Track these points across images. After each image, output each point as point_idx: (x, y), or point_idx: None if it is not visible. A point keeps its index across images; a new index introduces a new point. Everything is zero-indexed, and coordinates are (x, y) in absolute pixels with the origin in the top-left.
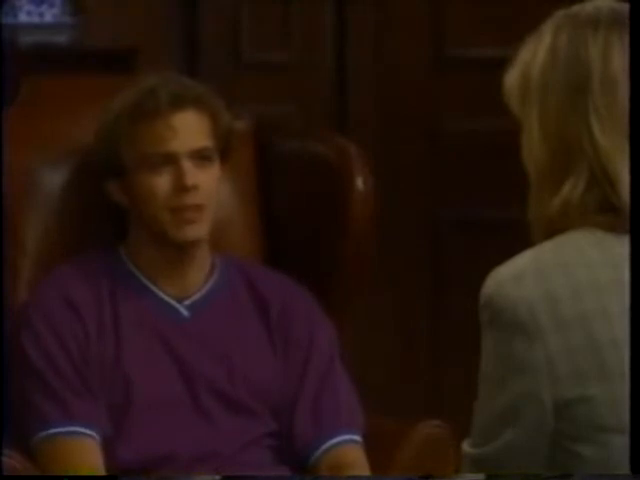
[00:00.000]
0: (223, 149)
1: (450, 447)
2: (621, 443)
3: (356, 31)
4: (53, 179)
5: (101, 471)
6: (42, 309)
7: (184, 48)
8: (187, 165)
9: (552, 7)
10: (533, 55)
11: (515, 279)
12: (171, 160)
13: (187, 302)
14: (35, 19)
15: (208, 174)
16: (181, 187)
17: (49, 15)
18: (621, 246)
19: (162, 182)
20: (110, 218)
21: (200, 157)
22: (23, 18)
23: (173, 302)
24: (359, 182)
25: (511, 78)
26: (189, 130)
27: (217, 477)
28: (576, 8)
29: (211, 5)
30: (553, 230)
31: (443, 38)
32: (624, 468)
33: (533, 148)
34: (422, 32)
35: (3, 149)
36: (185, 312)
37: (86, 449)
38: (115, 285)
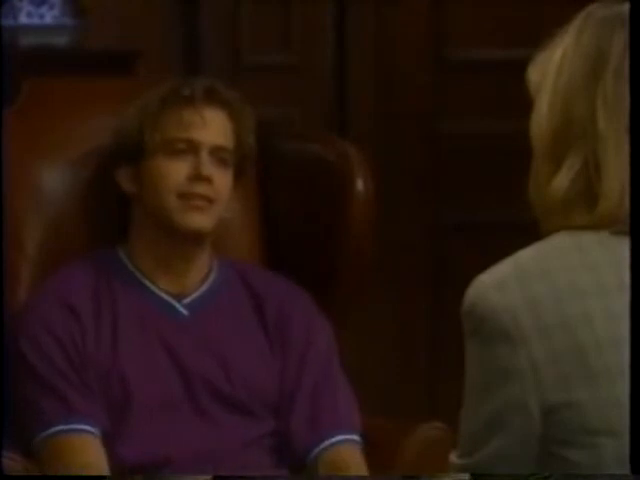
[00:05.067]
0: (238, 165)
1: (449, 449)
2: (610, 445)
3: (356, 31)
4: (53, 180)
5: (104, 467)
6: (40, 312)
7: (184, 49)
8: (206, 157)
9: (552, 8)
10: (560, 40)
11: (497, 286)
12: (192, 148)
13: (186, 301)
14: (35, 21)
15: (223, 174)
16: (196, 175)
17: (49, 17)
18: (602, 249)
19: (178, 168)
20: (111, 219)
21: (219, 156)
22: (23, 20)
23: (172, 300)
24: (359, 184)
25: (537, 60)
26: (216, 126)
27: (208, 477)
28: (610, 4)
29: (211, 5)
30: (543, 230)
31: (443, 39)
32: (613, 470)
33: (539, 124)
34: (422, 33)
35: (3, 150)
36: (184, 311)
37: (89, 446)
38: (113, 285)
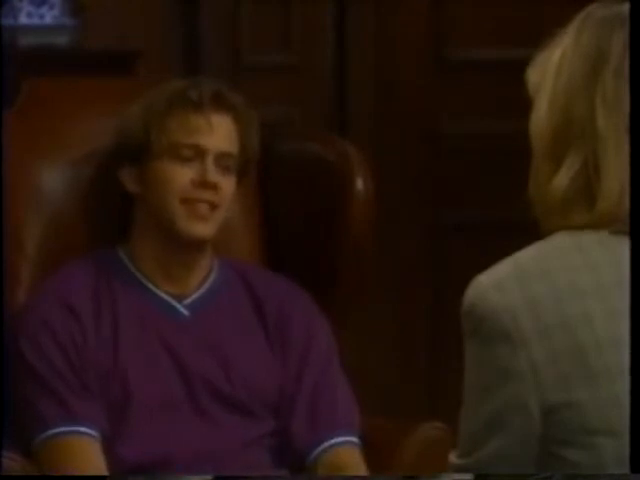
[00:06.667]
0: (241, 169)
1: (449, 449)
2: (609, 445)
3: (356, 31)
4: (53, 180)
5: (103, 470)
6: (40, 312)
7: (184, 49)
8: (211, 163)
9: (552, 8)
10: (560, 41)
11: (497, 287)
12: (199, 154)
13: (186, 301)
14: (35, 21)
15: (227, 180)
16: (202, 182)
17: (49, 17)
18: (602, 249)
19: (183, 173)
20: (111, 219)
21: (223, 163)
22: (23, 20)
23: (172, 301)
24: (359, 183)
25: (536, 60)
26: (223, 132)
27: (209, 477)
28: (610, 4)
29: (211, 5)
30: (543, 230)
31: (443, 39)
32: (613, 470)
33: (539, 124)
34: (422, 33)
35: (3, 150)
36: (185, 311)
37: (88, 448)
38: (114, 285)
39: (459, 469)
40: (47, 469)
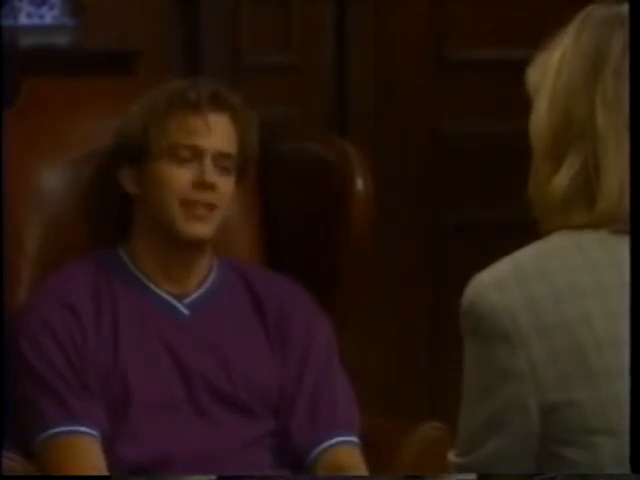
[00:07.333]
0: (240, 169)
1: (449, 449)
2: (607, 444)
3: (356, 31)
4: (53, 180)
5: (103, 470)
6: (40, 312)
7: (184, 49)
8: (209, 164)
9: (552, 8)
10: (559, 41)
11: (496, 286)
12: (197, 155)
13: (186, 300)
14: (35, 21)
15: (225, 180)
16: (200, 183)
17: (49, 17)
18: (602, 248)
19: (181, 174)
20: (111, 219)
21: (221, 163)
22: (23, 20)
23: (172, 300)
24: (359, 184)
25: (536, 61)
26: (221, 132)
27: (213, 477)
28: (610, 4)
29: (211, 5)
30: (542, 230)
31: (443, 39)
32: (611, 470)
33: (539, 124)
34: (422, 33)
35: (3, 150)
36: (185, 310)
37: (88, 448)
38: (114, 285)
39: (459, 468)
40: (47, 469)
